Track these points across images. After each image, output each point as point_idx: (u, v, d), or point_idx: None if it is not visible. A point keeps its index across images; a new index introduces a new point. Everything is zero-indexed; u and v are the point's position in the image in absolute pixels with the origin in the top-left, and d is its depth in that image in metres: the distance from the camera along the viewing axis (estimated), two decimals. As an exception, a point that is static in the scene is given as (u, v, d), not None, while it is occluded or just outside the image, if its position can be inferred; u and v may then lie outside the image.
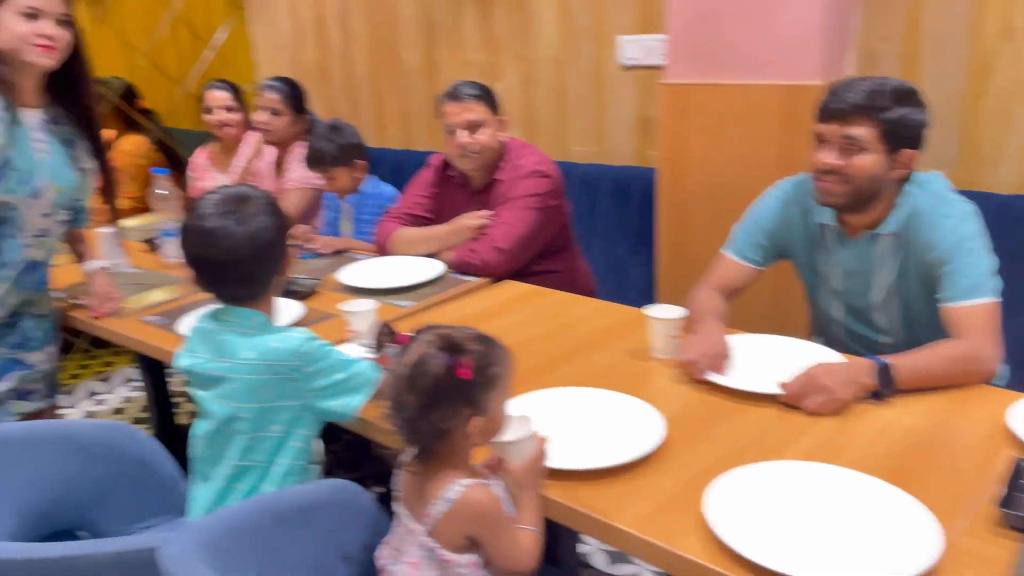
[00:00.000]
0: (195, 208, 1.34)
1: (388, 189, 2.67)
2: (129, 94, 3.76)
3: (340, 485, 1.32)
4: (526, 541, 1.12)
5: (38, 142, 1.86)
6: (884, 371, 1.42)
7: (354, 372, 1.38)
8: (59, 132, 1.91)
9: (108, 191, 2.06)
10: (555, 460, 1.22)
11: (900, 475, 1.18)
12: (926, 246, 1.59)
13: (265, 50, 3.96)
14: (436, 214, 2.42)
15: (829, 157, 1.58)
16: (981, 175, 2.31)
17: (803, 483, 1.15)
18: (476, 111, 2.25)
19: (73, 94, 1.90)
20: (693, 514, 1.11)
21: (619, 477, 1.22)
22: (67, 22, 1.79)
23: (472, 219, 2.29)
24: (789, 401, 1.41)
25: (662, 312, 1.63)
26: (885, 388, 1.42)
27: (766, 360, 1.57)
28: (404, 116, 3.61)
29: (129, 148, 3.79)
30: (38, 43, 1.73)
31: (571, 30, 3.00)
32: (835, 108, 1.56)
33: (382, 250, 2.39)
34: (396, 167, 3.25)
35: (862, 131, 1.54)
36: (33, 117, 1.85)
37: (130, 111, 3.72)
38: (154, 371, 2.37)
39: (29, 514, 1.48)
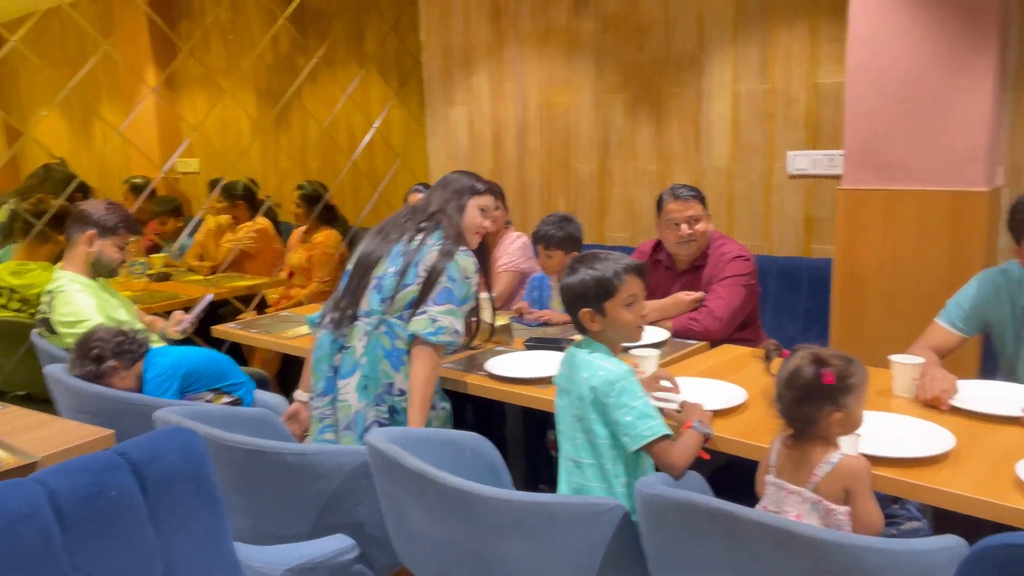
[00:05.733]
0: None
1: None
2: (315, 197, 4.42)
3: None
4: (879, 507, 1.52)
5: None
6: None
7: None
8: None
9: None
10: (889, 450, 1.63)
11: None
12: None
13: (439, 159, 4.60)
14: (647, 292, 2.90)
15: None
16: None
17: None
18: (695, 208, 2.79)
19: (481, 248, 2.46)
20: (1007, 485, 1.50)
21: (932, 466, 1.62)
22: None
23: (688, 295, 2.77)
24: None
25: (905, 360, 2.05)
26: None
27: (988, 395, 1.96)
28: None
29: (321, 240, 4.39)
30: (479, 232, 2.39)
31: (741, 146, 3.57)
32: None
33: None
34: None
35: None
36: None
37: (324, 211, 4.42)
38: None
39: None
